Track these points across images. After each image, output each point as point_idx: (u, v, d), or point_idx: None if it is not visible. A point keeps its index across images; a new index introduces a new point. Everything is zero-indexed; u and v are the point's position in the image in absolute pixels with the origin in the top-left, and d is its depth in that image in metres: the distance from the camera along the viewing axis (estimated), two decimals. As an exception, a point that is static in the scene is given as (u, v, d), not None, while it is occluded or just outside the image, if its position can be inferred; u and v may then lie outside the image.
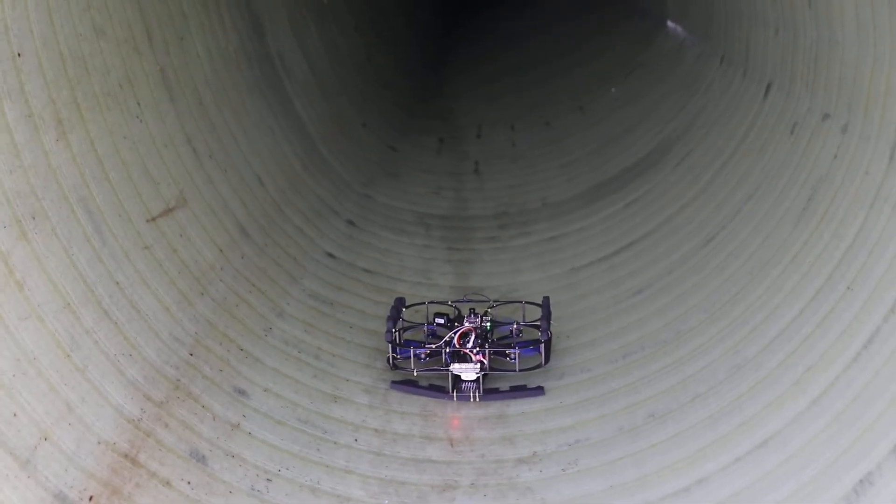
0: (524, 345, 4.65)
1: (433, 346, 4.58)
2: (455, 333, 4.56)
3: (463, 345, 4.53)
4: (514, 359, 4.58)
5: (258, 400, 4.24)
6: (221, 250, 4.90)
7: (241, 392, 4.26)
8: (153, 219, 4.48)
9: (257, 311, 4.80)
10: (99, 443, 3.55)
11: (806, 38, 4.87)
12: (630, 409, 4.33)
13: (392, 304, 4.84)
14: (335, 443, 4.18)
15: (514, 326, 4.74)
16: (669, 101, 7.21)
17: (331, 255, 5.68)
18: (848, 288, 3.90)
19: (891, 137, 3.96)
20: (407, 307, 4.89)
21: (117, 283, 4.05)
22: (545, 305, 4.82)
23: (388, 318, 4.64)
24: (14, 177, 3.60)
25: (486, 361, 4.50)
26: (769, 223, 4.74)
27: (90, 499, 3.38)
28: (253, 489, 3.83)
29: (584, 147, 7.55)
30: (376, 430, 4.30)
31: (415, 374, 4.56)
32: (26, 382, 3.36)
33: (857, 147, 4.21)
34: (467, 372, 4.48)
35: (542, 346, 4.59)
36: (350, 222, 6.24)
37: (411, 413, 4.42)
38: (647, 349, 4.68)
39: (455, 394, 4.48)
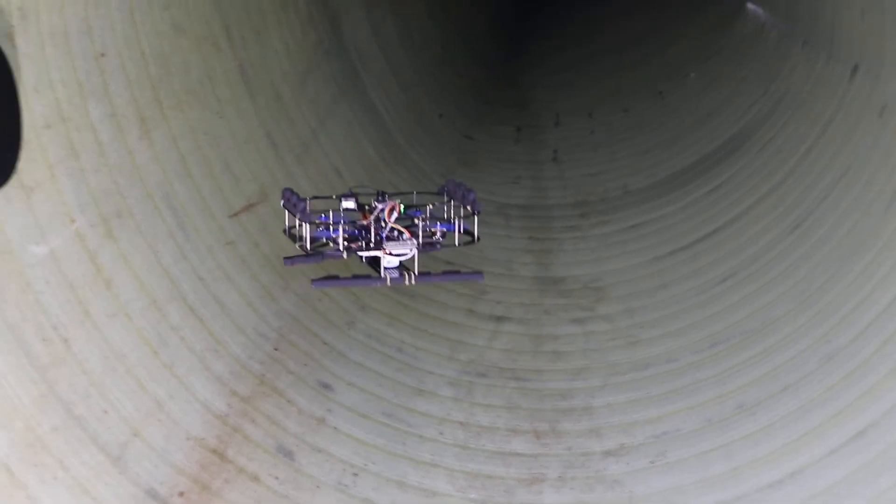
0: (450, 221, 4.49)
1: (361, 223, 4.32)
2: (383, 209, 4.34)
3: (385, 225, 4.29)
4: (439, 237, 4.41)
5: (343, 394, 4.24)
6: (303, 244, 4.91)
7: (326, 386, 4.27)
8: (235, 214, 4.51)
9: (340, 304, 4.80)
10: (188, 439, 3.57)
11: (894, 18, 4.73)
12: (718, 400, 4.26)
13: (286, 196, 4.55)
14: (420, 436, 4.16)
15: (429, 208, 4.55)
16: (751, 86, 7.09)
17: (411, 248, 5.68)
18: (944, 274, 3.79)
19: None
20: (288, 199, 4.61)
21: (201, 278, 4.08)
22: (451, 185, 4.64)
23: (292, 204, 4.35)
24: (99, 176, 3.64)
25: (418, 240, 4.30)
26: (858, 208, 4.63)
27: (180, 494, 3.40)
28: (340, 483, 3.83)
29: (665, 133, 7.46)
30: (461, 423, 4.28)
31: (344, 256, 4.31)
32: (116, 380, 3.40)
33: (950, 129, 4.10)
34: (402, 249, 4.26)
35: (474, 219, 4.46)
36: (429, 213, 6.23)
37: (496, 406, 4.40)
38: (733, 339, 4.60)
39: (389, 277, 4.27)
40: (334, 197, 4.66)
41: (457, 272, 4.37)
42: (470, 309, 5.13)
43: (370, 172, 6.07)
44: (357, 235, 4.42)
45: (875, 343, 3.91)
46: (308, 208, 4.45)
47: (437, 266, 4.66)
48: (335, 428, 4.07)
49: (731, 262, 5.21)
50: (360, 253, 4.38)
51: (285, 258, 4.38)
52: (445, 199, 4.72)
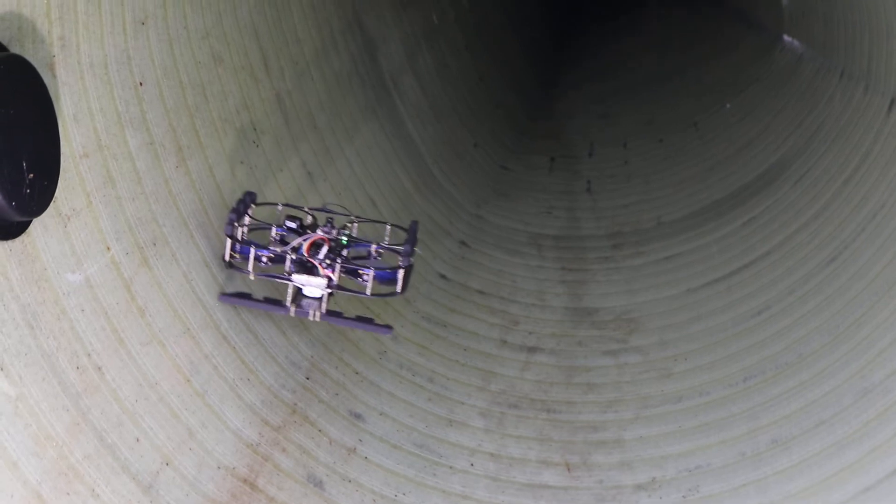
0: (381, 268, 4.04)
1: (277, 251, 3.97)
2: (305, 240, 4.01)
3: (313, 255, 3.97)
4: (366, 281, 4.00)
5: (374, 424, 4.25)
6: (336, 273, 4.92)
7: (357, 416, 4.27)
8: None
9: (371, 334, 4.81)
10: (219, 468, 3.58)
11: (932, 51, 4.72)
12: (752, 434, 4.22)
13: (241, 198, 4.18)
14: (451, 467, 4.16)
15: (374, 248, 4.16)
16: (787, 117, 7.05)
17: (443, 277, 5.68)
18: (982, 310, 3.75)
19: None
20: (257, 205, 4.25)
21: (234, 308, 4.09)
22: (412, 230, 4.26)
23: (232, 210, 4.00)
24: (136, 204, 3.67)
25: (334, 278, 3.95)
26: (895, 242, 4.59)
27: (211, 523, 3.42)
28: (370, 514, 3.83)
29: (699, 164, 7.43)
30: (492, 455, 4.27)
31: (251, 277, 3.97)
32: (148, 408, 3.42)
33: None
34: (311, 286, 3.94)
35: (401, 272, 4.00)
36: (462, 243, 6.23)
37: (527, 437, 4.39)
38: (768, 372, 4.56)
39: (293, 308, 3.95)
40: (306, 209, 4.31)
41: (369, 321, 4.13)
42: (502, 339, 5.12)
43: (404, 202, 6.08)
44: (266, 253, 4.06)
45: (911, 379, 3.88)
46: (242, 219, 4.09)
47: (353, 310, 4.44)
48: (366, 458, 4.07)
49: (766, 295, 5.18)
50: (267, 277, 4.10)
51: (222, 294, 4.13)
52: (389, 240, 4.37)
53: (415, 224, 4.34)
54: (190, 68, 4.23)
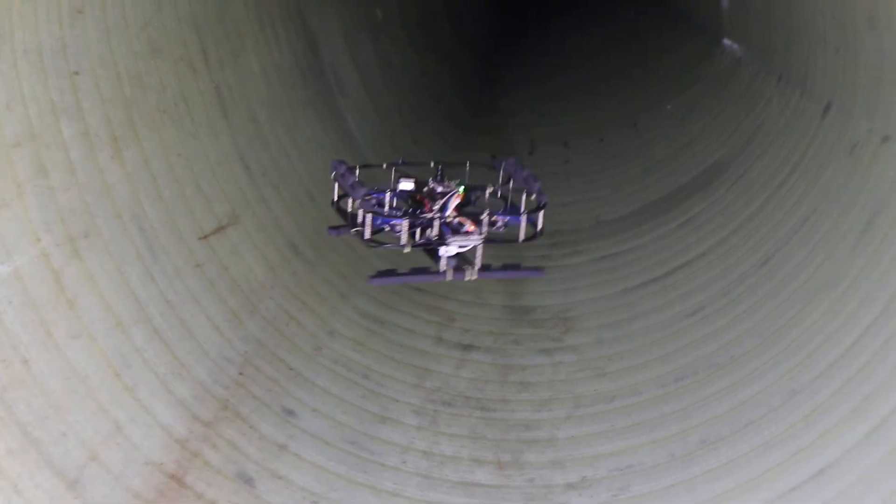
0: (530, 211, 3.93)
1: (424, 215, 3.79)
2: (449, 196, 3.84)
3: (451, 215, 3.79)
4: (501, 228, 3.92)
5: (306, 420, 4.23)
6: (272, 268, 4.90)
7: (290, 412, 4.25)
8: (205, 237, 4.50)
9: (307, 329, 4.79)
10: (146, 463, 3.55)
11: (867, 58, 4.78)
12: (682, 435, 4.26)
13: (333, 168, 4.05)
14: (382, 465, 4.15)
15: (489, 190, 4.08)
16: (725, 120, 7.13)
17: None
18: (908, 315, 3.81)
19: (953, 161, 3.88)
20: (362, 168, 4.14)
21: (168, 301, 4.06)
22: (511, 165, 4.14)
23: (349, 183, 3.86)
24: (69, 194, 3.63)
25: (481, 230, 3.83)
26: (827, 246, 4.65)
27: (137, 519, 3.38)
28: (300, 511, 3.81)
29: (639, 165, 7.49)
30: (424, 452, 4.26)
31: (407, 250, 3.81)
32: (76, 402, 3.38)
33: (918, 170, 4.13)
34: (465, 243, 3.80)
35: (542, 213, 3.93)
36: (401, 240, 6.22)
37: (460, 435, 4.39)
38: (700, 373, 4.61)
39: (450, 272, 3.84)
40: (384, 167, 4.18)
41: (516, 267, 4.04)
42: (438, 336, 5.13)
43: (343, 197, 6.06)
44: (415, 223, 3.89)
45: (838, 381, 3.93)
46: (361, 187, 3.96)
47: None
48: (297, 455, 4.05)
49: (700, 296, 5.23)
50: (421, 247, 3.88)
51: (370, 277, 4.13)
52: (501, 181, 4.22)
53: (510, 161, 4.21)
54: (127, 59, 4.19)
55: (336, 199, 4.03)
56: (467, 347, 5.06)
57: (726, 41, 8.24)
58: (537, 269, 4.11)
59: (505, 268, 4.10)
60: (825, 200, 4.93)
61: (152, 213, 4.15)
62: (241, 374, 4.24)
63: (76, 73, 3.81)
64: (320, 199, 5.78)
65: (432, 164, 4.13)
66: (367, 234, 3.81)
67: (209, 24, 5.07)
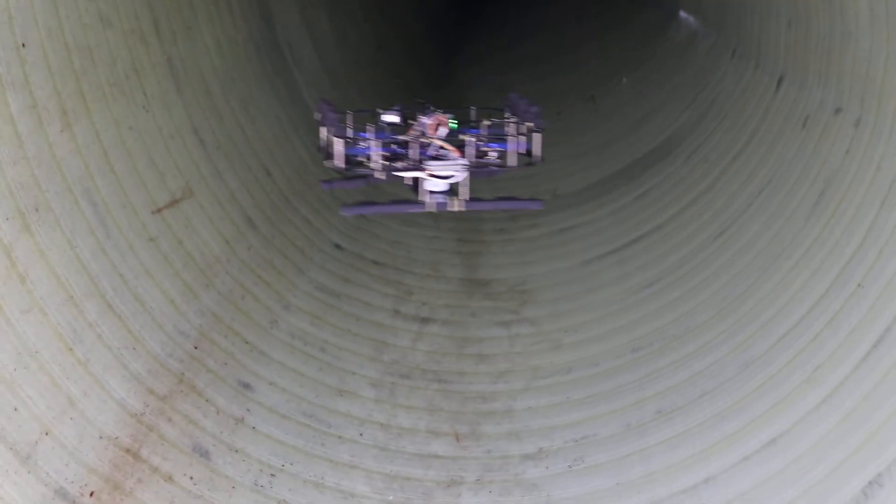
0: (522, 134, 3.71)
1: (401, 138, 3.58)
2: (428, 119, 3.62)
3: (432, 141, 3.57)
4: (491, 158, 3.70)
5: (263, 394, 4.22)
6: (228, 242, 4.87)
7: (246, 386, 4.24)
8: (158, 210, 4.45)
9: (263, 303, 4.77)
10: (101, 437, 3.53)
11: (819, 31, 4.81)
12: (638, 405, 4.30)
13: (318, 109, 3.81)
14: (340, 437, 4.15)
15: (488, 124, 3.77)
16: (681, 93, 7.16)
17: (338, 247, 5.65)
18: (859, 285, 3.85)
19: (904, 132, 3.91)
20: (355, 112, 3.88)
21: (121, 275, 4.02)
22: (519, 99, 3.91)
23: (325, 112, 3.66)
24: (17, 168, 3.58)
25: (466, 159, 3.57)
26: (780, 218, 4.69)
27: (91, 494, 3.36)
28: (256, 484, 3.81)
29: (596, 138, 7.50)
30: (382, 425, 4.27)
31: (381, 176, 3.62)
32: (28, 377, 3.34)
33: (869, 142, 4.16)
34: (448, 171, 3.55)
35: (539, 136, 3.69)
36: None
37: (418, 407, 4.40)
38: (655, 344, 4.64)
39: (430, 201, 3.55)
40: (377, 110, 3.88)
41: (513, 198, 3.78)
42: (395, 310, 5.13)
43: (299, 171, 6.03)
44: (399, 154, 3.66)
45: (790, 353, 3.97)
46: (344, 122, 3.74)
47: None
48: (254, 428, 4.04)
49: (657, 268, 5.26)
50: (398, 174, 3.63)
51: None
52: (506, 115, 3.95)
53: (513, 94, 3.97)
54: (76, 30, 4.12)
55: (320, 143, 3.79)
56: (425, 320, 5.06)
57: (682, 14, 8.25)
58: (534, 199, 3.88)
59: (498, 199, 3.81)
60: (779, 172, 4.97)
61: (104, 186, 4.10)
62: (196, 348, 4.22)
63: (23, 45, 3.75)
64: (276, 172, 5.75)
65: (428, 107, 3.89)
66: (338, 161, 3.58)
67: (162, -4, 5.01)
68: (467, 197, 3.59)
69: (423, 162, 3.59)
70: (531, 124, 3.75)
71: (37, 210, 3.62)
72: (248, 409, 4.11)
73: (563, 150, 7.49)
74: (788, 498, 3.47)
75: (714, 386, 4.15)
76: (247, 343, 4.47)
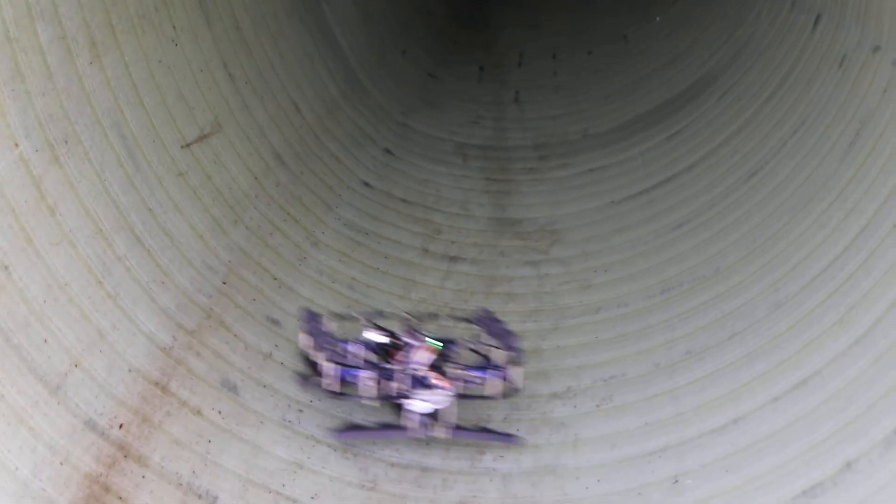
0: (490, 367, 3.82)
1: (388, 367, 3.70)
2: (416, 343, 3.76)
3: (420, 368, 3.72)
4: (475, 384, 3.81)
5: (291, 330, 4.21)
6: (256, 178, 4.85)
7: (274, 322, 4.24)
8: (187, 145, 4.44)
9: (292, 239, 4.76)
10: (130, 370, 3.53)
11: (859, -32, 4.71)
12: (667, 346, 4.27)
13: (305, 317, 3.86)
14: (368, 374, 4.14)
15: (469, 346, 3.92)
16: (715, 32, 7.04)
17: (367, 184, 5.62)
18: (894, 226, 3.79)
19: (944, 71, 3.83)
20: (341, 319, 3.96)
21: (150, 209, 4.02)
22: (487, 319, 4.00)
23: (315, 331, 3.75)
24: (47, 99, 3.56)
25: (452, 388, 3.70)
26: (814, 158, 4.62)
27: (120, 426, 3.37)
28: (284, 419, 3.81)
29: (627, 77, 7.41)
30: (410, 363, 4.26)
31: (375, 404, 3.78)
32: (57, 309, 3.35)
33: (908, 81, 4.08)
34: (435, 400, 3.68)
35: (521, 370, 3.81)
36: (387, 151, 6.16)
37: (445, 345, 4.38)
38: (685, 284, 4.60)
39: (421, 428, 3.70)
40: (363, 321, 3.94)
41: (493, 431, 3.82)
42: (424, 248, 5.11)
43: (329, 108, 5.99)
44: (384, 375, 3.76)
45: (822, 293, 3.93)
46: (328, 332, 3.83)
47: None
48: (282, 363, 4.04)
49: (686, 209, 5.21)
50: (392, 401, 3.79)
51: (337, 432, 3.85)
52: (478, 332, 4.05)
53: (484, 311, 4.08)
54: (105, -39, 4.09)
55: (303, 349, 3.86)
56: (453, 259, 5.04)
57: (718, -49, 8.11)
58: (509, 435, 3.87)
59: (481, 430, 3.88)
60: (814, 112, 4.89)
61: (133, 120, 4.08)
62: (224, 283, 4.21)
63: (54, -25, 3.72)
64: (305, 109, 5.72)
65: (406, 315, 4.04)
66: (328, 384, 3.71)
67: (191, -72, 4.95)
68: (453, 424, 3.74)
69: (412, 389, 3.71)
70: (513, 354, 3.83)
71: (66, 142, 3.61)
72: (276, 345, 4.11)
73: (594, 89, 7.42)
74: (819, 438, 3.45)
75: (744, 326, 4.12)
76: (275, 279, 4.46)
